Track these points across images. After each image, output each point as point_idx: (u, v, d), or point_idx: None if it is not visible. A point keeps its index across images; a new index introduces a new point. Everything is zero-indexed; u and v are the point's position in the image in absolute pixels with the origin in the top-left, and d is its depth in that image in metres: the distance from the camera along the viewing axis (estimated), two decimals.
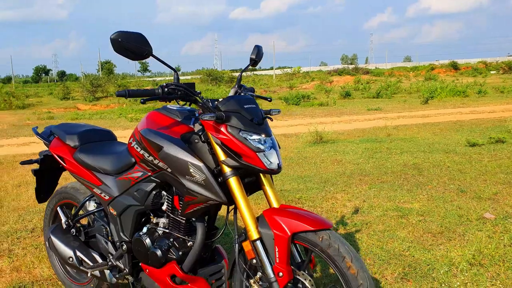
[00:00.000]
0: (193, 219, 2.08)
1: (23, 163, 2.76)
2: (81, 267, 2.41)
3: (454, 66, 56.29)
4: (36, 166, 2.83)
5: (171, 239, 2.14)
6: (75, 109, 23.72)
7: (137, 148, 2.10)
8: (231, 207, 2.04)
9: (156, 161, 2.01)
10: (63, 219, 2.62)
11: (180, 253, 2.11)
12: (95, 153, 2.41)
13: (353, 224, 3.84)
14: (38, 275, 3.09)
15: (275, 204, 2.00)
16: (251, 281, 1.93)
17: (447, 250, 3.20)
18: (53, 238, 2.53)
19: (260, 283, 1.90)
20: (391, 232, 3.62)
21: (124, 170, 2.24)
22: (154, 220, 2.24)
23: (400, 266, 2.97)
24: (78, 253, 2.43)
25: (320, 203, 4.51)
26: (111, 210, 2.30)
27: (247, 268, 1.96)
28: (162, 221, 2.21)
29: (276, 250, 1.80)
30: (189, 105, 2.14)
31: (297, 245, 1.92)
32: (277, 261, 1.80)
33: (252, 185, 2.08)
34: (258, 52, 2.31)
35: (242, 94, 2.22)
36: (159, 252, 2.10)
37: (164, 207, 2.16)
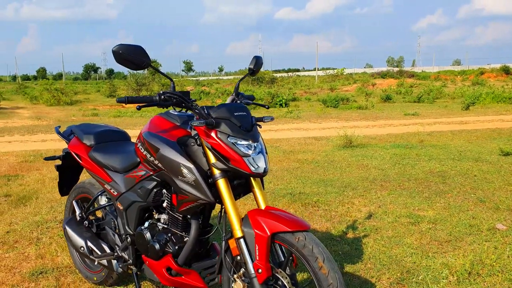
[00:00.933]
0: (189, 216, 2.25)
1: (47, 159, 3.02)
2: (91, 256, 2.63)
3: (506, 71, 53.99)
4: (59, 162, 3.09)
5: (169, 234, 2.31)
6: (120, 107, 24.59)
7: (141, 148, 2.29)
8: (221, 206, 2.19)
9: (156, 162, 2.19)
10: (77, 212, 2.86)
11: (176, 247, 2.28)
12: (107, 152, 2.62)
13: (362, 229, 3.90)
14: (59, 262, 3.36)
15: (262, 206, 2.13)
16: (235, 276, 2.07)
17: (449, 258, 3.22)
18: (67, 228, 2.77)
19: (243, 278, 2.05)
20: (398, 238, 3.67)
21: (131, 169, 2.44)
22: (156, 216, 2.42)
23: (398, 272, 3.04)
24: (89, 243, 2.65)
25: (336, 207, 4.59)
26: (118, 205, 2.50)
27: (233, 264, 2.10)
28: (163, 217, 2.39)
29: (257, 248, 1.94)
30: (186, 111, 2.31)
31: (281, 245, 2.05)
32: (257, 258, 1.94)
33: (244, 187, 2.23)
34: (256, 62, 2.45)
35: (238, 102, 2.37)
36: (157, 246, 2.29)
37: (164, 204, 2.34)
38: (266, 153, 2.13)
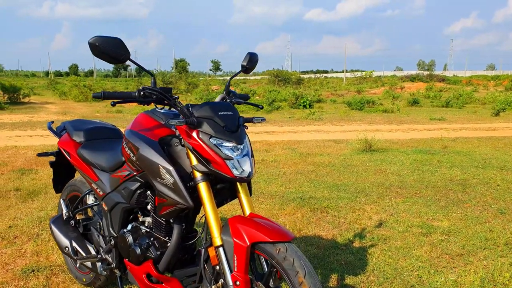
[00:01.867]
0: (172, 220, 2.12)
1: (40, 155, 2.95)
2: (75, 257, 2.54)
3: None
4: (52, 158, 3.01)
5: (152, 239, 2.19)
6: (147, 105, 24.75)
7: (125, 147, 2.17)
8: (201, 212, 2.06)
9: (138, 162, 2.07)
10: (64, 210, 2.77)
11: (158, 252, 2.16)
12: (95, 149, 2.53)
13: (370, 238, 3.71)
14: (53, 260, 3.29)
15: (246, 213, 1.99)
16: (214, 287, 1.94)
17: (459, 274, 3.01)
18: (53, 227, 2.69)
19: None
20: (407, 250, 3.46)
21: (117, 168, 2.33)
22: (140, 219, 2.31)
23: (402, 286, 2.84)
24: (74, 244, 2.56)
25: (345, 214, 4.40)
26: (103, 206, 2.40)
27: (213, 274, 1.97)
28: (147, 220, 2.27)
29: (235, 258, 1.80)
30: (170, 108, 2.19)
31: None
32: (236, 269, 1.80)
33: (230, 192, 2.09)
34: (250, 59, 2.31)
35: (228, 101, 2.23)
36: (138, 250, 2.17)
37: (148, 207, 2.22)
38: (252, 156, 1.99)
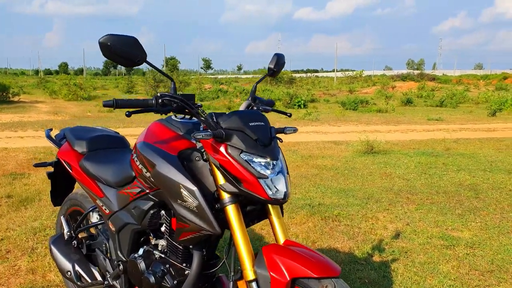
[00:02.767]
0: (191, 246, 1.86)
1: (36, 165, 2.67)
2: (78, 283, 2.27)
3: None
4: (50, 169, 2.74)
5: (167, 265, 1.93)
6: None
7: (136, 161, 1.91)
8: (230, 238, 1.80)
9: (152, 179, 1.81)
10: (65, 229, 2.49)
11: (175, 282, 1.90)
12: (100, 161, 2.26)
13: (390, 251, 3.48)
14: (51, 279, 3.01)
15: (280, 239, 1.74)
16: None
17: None
18: (53, 248, 2.41)
19: None
20: (432, 265, 3.23)
21: (125, 184, 2.07)
22: (153, 242, 2.04)
23: None
24: (77, 267, 2.29)
25: (359, 223, 4.17)
26: (110, 226, 2.13)
27: None
28: (161, 243, 2.01)
29: None
30: (190, 117, 1.92)
31: None
32: None
33: (259, 213, 1.84)
34: (277, 61, 2.06)
35: (255, 108, 1.98)
36: (152, 279, 1.91)
37: (162, 229, 1.96)
38: (288, 173, 1.74)
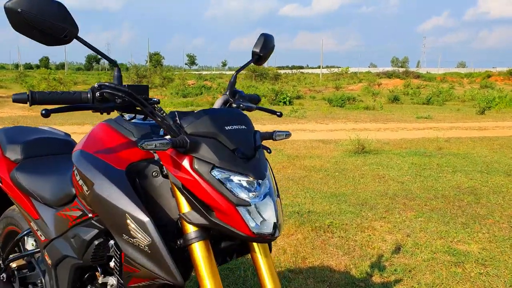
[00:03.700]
0: None
1: None
2: None
3: None
4: None
5: None
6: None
7: (76, 176, 1.41)
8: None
9: (90, 203, 1.32)
10: None
11: None
12: (36, 172, 1.76)
13: (392, 270, 3.04)
14: None
15: (269, 287, 1.27)
16: None
17: None
18: None
19: None
20: (442, 287, 2.80)
21: (64, 203, 1.57)
22: (100, 280, 1.55)
23: None
24: None
25: (354, 234, 3.72)
26: (46, 257, 1.64)
27: None
28: (111, 282, 1.52)
29: None
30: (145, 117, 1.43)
31: None
32: None
33: (238, 247, 1.37)
34: (264, 44, 1.57)
35: (234, 106, 1.49)
36: None
37: (111, 264, 1.47)
38: (278, 196, 1.26)
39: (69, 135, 2.19)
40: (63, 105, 1.13)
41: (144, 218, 1.16)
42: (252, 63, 1.59)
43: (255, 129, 1.29)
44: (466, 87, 36.26)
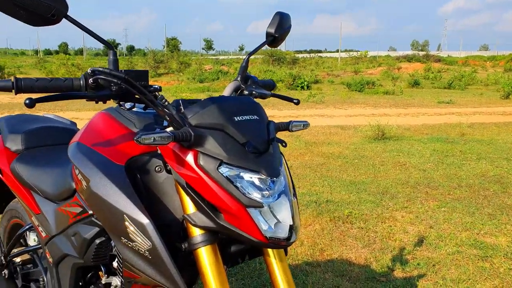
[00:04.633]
0: None
1: None
2: None
3: None
4: None
5: None
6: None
7: (76, 169, 1.30)
8: None
9: (88, 202, 1.21)
10: None
11: None
12: (37, 164, 1.65)
13: (415, 264, 2.89)
14: None
15: None
16: None
17: None
18: None
19: None
20: (469, 283, 2.65)
21: (64, 198, 1.46)
22: (104, 280, 1.45)
23: None
24: None
25: (374, 225, 3.57)
26: (47, 255, 1.54)
27: None
28: (114, 283, 1.42)
29: None
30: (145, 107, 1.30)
31: None
32: None
33: (249, 250, 1.24)
34: (280, 23, 1.41)
35: (245, 93, 1.35)
36: None
37: (114, 264, 1.36)
38: (295, 195, 1.13)
39: (75, 124, 2.09)
40: (52, 94, 1.01)
41: (144, 220, 1.03)
42: (266, 45, 1.44)
43: (269, 119, 1.16)
44: (489, 71, 35.33)
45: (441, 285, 2.63)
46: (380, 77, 27.32)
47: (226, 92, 1.36)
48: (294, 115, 10.79)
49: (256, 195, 1.00)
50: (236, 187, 0.99)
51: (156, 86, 1.17)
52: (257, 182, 1.01)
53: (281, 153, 1.14)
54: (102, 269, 1.45)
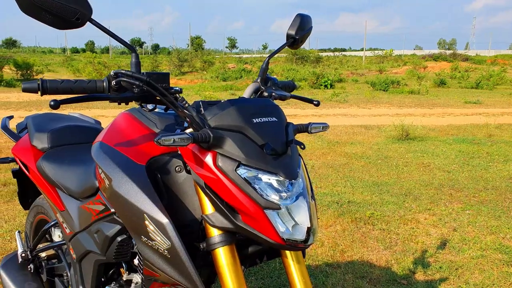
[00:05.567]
0: None
1: None
2: None
3: None
4: (16, 165, 2.19)
5: None
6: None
7: (99, 168, 1.33)
8: None
9: (110, 201, 1.23)
10: (20, 249, 1.95)
11: None
12: (62, 162, 1.70)
13: (437, 268, 2.85)
14: None
15: None
16: None
17: None
18: (2, 274, 1.88)
19: None
20: None
21: (88, 196, 1.50)
22: (125, 277, 1.48)
23: None
24: None
25: (396, 227, 3.54)
26: (71, 251, 1.58)
27: None
28: (135, 279, 1.45)
29: None
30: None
31: None
32: None
33: (266, 252, 1.25)
34: (300, 25, 1.42)
35: (265, 94, 1.36)
36: None
37: (136, 262, 1.39)
38: (313, 198, 1.13)
39: (99, 123, 2.13)
40: (76, 96, 1.04)
41: (163, 219, 1.05)
42: (286, 47, 1.44)
43: (292, 118, 1.16)
44: None
45: None
46: (405, 76, 26.92)
47: (246, 93, 1.37)
48: (317, 114, 10.74)
49: (274, 197, 1.00)
50: (254, 188, 1.00)
51: (177, 88, 1.19)
52: (275, 184, 1.02)
53: (299, 155, 1.14)
54: (124, 266, 1.48)
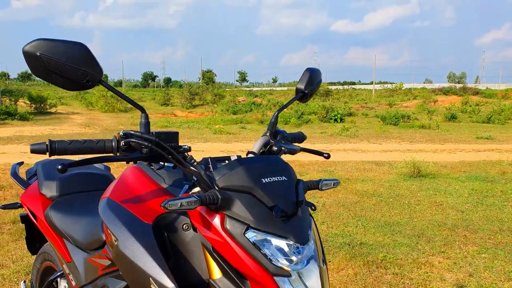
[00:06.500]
0: None
1: (4, 207, 2.13)
2: None
3: None
4: (24, 210, 2.18)
5: None
6: (172, 116, 24.32)
7: (106, 225, 1.31)
8: None
9: (116, 261, 1.21)
10: None
11: None
12: (70, 212, 1.68)
13: None
14: None
15: None
16: None
17: None
18: None
19: None
20: None
21: (95, 248, 1.48)
22: None
23: None
24: None
25: (409, 271, 3.44)
26: None
27: None
28: None
29: None
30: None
31: None
32: None
33: None
34: (310, 80, 1.41)
35: (274, 149, 1.35)
36: None
37: None
38: (325, 262, 1.09)
39: (108, 169, 2.12)
40: (84, 158, 1.03)
41: (169, 284, 1.02)
42: (297, 100, 1.44)
43: (298, 178, 1.14)
44: None
45: None
46: (416, 110, 26.92)
47: (255, 147, 1.36)
48: (328, 149, 10.70)
49: (283, 262, 0.97)
50: (264, 254, 0.97)
51: (186, 147, 1.18)
52: (285, 248, 0.99)
53: (310, 215, 1.11)
54: None
